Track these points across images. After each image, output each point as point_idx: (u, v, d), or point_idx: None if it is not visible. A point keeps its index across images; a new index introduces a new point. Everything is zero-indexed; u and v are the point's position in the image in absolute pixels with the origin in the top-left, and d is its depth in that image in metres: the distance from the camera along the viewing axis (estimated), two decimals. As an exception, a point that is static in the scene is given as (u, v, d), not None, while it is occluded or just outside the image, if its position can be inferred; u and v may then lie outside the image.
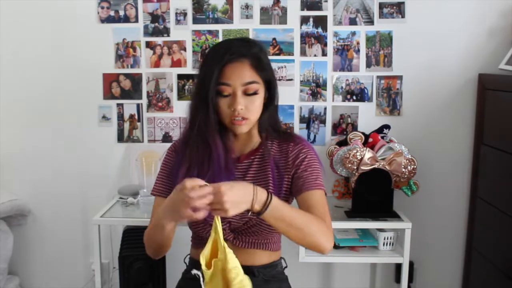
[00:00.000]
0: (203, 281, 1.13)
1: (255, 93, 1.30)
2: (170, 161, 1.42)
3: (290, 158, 1.37)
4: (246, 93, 1.29)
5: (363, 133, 2.24)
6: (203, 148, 1.33)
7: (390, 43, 2.36)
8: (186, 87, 2.42)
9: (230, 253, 1.11)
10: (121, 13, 2.40)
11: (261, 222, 1.34)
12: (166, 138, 2.46)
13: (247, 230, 1.36)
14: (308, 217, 1.22)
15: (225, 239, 1.36)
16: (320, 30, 2.37)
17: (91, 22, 2.40)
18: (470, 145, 2.38)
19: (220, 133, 1.34)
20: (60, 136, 2.49)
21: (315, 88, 2.41)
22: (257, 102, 1.31)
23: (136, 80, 2.44)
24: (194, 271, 1.15)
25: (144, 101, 2.46)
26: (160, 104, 2.45)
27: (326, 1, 2.35)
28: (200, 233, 1.38)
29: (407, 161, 2.09)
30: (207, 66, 1.31)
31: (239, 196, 1.09)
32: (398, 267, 2.29)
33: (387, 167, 2.05)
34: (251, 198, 1.11)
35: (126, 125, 2.47)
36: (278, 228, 1.18)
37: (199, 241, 1.42)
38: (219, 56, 1.28)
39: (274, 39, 2.38)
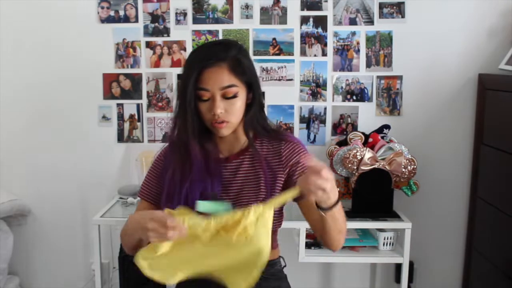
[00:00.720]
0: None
1: (234, 96, 1.31)
2: (159, 166, 1.43)
3: (283, 157, 1.38)
4: (225, 97, 1.30)
5: (363, 133, 2.24)
6: (184, 152, 1.35)
7: (390, 43, 2.36)
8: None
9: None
10: (121, 13, 2.40)
11: None
12: (166, 138, 2.46)
13: None
14: (344, 219, 1.27)
15: None
16: (320, 30, 2.37)
17: (91, 22, 2.40)
18: (470, 145, 2.38)
19: (204, 135, 1.36)
20: (60, 136, 2.49)
21: (315, 88, 2.41)
22: (237, 105, 1.32)
23: (136, 80, 2.44)
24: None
25: (144, 101, 2.46)
26: (160, 104, 2.45)
27: (326, 1, 2.35)
28: None
29: (407, 161, 2.09)
30: (186, 71, 1.32)
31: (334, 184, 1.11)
32: (398, 267, 2.29)
33: (387, 167, 2.05)
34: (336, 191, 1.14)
35: (126, 125, 2.47)
36: (327, 226, 1.22)
37: None
38: (197, 61, 1.30)
39: (274, 39, 2.38)
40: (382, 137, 2.24)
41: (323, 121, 2.43)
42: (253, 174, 1.37)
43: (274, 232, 1.46)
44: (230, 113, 1.31)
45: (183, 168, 1.34)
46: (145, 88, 2.45)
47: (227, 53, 1.30)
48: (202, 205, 1.13)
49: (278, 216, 1.40)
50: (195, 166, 1.33)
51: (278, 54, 2.39)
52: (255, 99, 1.38)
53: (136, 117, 2.47)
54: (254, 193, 1.36)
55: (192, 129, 1.32)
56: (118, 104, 2.46)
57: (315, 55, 2.38)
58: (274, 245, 1.47)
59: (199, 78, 1.29)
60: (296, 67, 2.39)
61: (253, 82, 1.36)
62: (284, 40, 2.38)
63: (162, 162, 1.43)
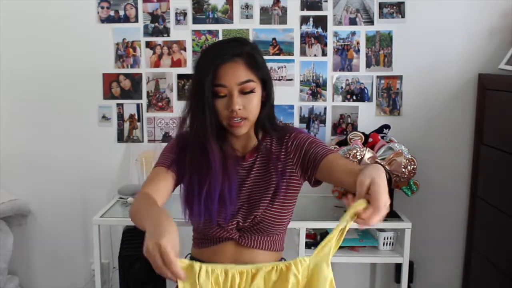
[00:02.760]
0: None
1: (252, 92, 1.29)
2: (177, 144, 1.39)
3: (289, 147, 1.38)
4: (243, 92, 1.29)
5: (363, 133, 2.24)
6: (201, 154, 1.32)
7: (390, 43, 2.36)
8: (186, 87, 2.42)
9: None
10: (121, 13, 2.40)
11: (265, 219, 1.34)
12: (166, 138, 2.46)
13: (252, 228, 1.36)
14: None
15: (231, 238, 1.36)
16: (320, 30, 2.37)
17: (91, 22, 2.40)
18: (470, 145, 2.38)
19: (220, 135, 1.34)
20: (60, 136, 2.49)
21: (315, 88, 2.41)
22: (255, 101, 1.31)
23: (136, 80, 2.44)
24: None
25: (144, 101, 2.46)
26: (160, 104, 2.45)
27: (326, 1, 2.35)
28: (207, 232, 1.38)
29: (407, 161, 2.08)
30: (200, 69, 1.30)
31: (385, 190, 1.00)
32: (398, 267, 2.29)
33: (387, 167, 2.05)
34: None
35: (126, 125, 2.47)
36: None
37: (201, 240, 1.42)
38: (212, 58, 1.28)
39: (274, 39, 2.38)
40: (382, 137, 2.24)
41: (323, 121, 2.43)
42: (264, 170, 1.38)
43: (283, 233, 1.46)
44: (248, 109, 1.29)
45: (201, 171, 1.32)
46: (145, 88, 2.45)
47: (242, 49, 1.29)
48: None
49: (289, 214, 1.40)
50: (214, 167, 1.31)
51: (278, 54, 2.39)
52: (268, 97, 1.37)
53: (136, 117, 2.47)
54: (266, 186, 1.36)
55: (210, 128, 1.29)
56: (118, 104, 2.46)
57: (315, 55, 2.38)
58: (279, 247, 1.46)
59: (215, 75, 1.26)
60: (296, 67, 2.39)
61: (267, 79, 1.35)
62: (284, 40, 2.38)
63: (180, 140, 1.39)
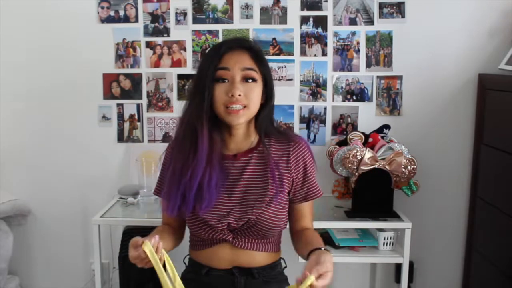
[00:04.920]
0: None
1: (254, 80, 1.30)
2: (168, 159, 1.42)
3: (291, 159, 1.38)
4: (245, 79, 1.29)
5: (363, 133, 2.24)
6: (190, 138, 1.31)
7: (390, 43, 2.36)
8: (186, 87, 2.42)
9: None
10: (121, 13, 2.40)
11: (259, 222, 1.34)
12: (166, 138, 2.46)
13: (246, 231, 1.35)
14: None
15: (225, 240, 1.36)
16: (320, 30, 2.37)
17: (91, 22, 2.40)
18: (470, 145, 2.38)
19: (214, 129, 1.33)
20: (60, 136, 2.49)
21: (315, 88, 2.41)
22: (256, 91, 1.31)
23: (136, 80, 2.44)
24: None
25: (144, 101, 2.46)
26: (160, 104, 2.45)
27: (326, 1, 2.35)
28: (199, 234, 1.37)
29: (407, 161, 2.09)
30: (207, 57, 1.32)
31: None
32: (398, 267, 2.29)
33: (387, 167, 2.05)
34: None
35: (126, 125, 2.47)
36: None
37: (197, 242, 1.42)
38: (218, 47, 1.31)
39: (274, 39, 2.38)
40: (382, 137, 2.24)
41: (323, 121, 2.43)
42: (260, 172, 1.36)
43: (278, 234, 1.46)
44: (249, 97, 1.29)
45: (187, 157, 1.31)
46: (145, 88, 2.45)
47: (249, 44, 1.34)
48: None
49: (284, 217, 1.40)
50: (199, 152, 1.29)
51: (278, 54, 2.39)
52: (268, 99, 1.37)
53: (136, 117, 2.47)
54: (261, 191, 1.35)
55: (206, 112, 1.28)
56: (118, 104, 2.46)
57: (315, 55, 2.38)
58: (276, 247, 1.46)
59: (220, 60, 1.28)
60: (296, 67, 2.39)
61: (268, 79, 1.36)
62: (284, 40, 2.38)
63: (171, 155, 1.41)
